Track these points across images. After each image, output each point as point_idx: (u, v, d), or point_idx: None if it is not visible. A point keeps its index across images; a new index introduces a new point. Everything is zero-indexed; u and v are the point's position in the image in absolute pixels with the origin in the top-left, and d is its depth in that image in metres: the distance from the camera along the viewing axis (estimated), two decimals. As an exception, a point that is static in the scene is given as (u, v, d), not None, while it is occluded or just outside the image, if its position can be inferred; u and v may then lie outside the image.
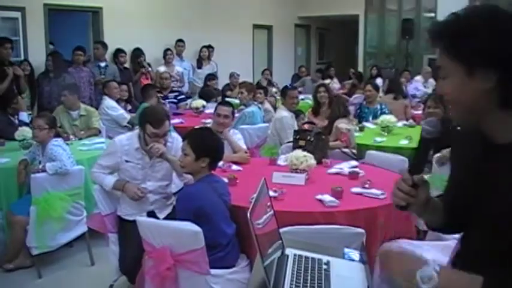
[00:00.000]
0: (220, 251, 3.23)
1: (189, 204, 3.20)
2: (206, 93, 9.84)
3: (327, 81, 12.24)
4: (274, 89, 9.78)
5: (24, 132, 5.53)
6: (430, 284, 1.49)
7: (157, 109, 4.51)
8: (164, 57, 10.34)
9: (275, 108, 8.14)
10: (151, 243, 3.17)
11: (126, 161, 3.89)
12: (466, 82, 1.42)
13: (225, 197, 3.42)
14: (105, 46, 9.21)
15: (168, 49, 10.42)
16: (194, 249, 3.02)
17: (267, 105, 7.84)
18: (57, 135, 5.04)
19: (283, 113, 6.37)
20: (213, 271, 3.12)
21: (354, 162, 4.74)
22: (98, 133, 6.53)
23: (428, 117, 5.30)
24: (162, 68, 9.93)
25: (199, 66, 11.28)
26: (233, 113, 5.23)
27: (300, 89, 10.99)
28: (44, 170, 4.52)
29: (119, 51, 9.53)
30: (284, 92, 6.73)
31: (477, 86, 1.41)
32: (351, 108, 8.14)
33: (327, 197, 3.52)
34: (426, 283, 1.49)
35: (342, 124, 5.68)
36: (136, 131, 3.98)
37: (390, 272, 1.78)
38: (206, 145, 3.43)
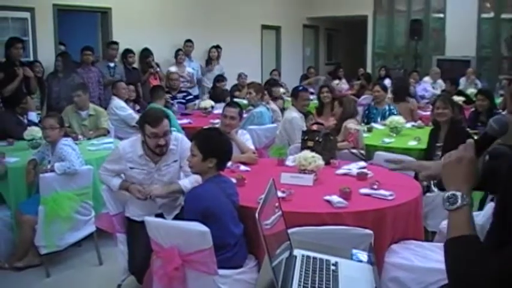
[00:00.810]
0: (228, 251, 3.23)
1: (197, 204, 3.20)
2: (216, 94, 9.86)
3: (336, 81, 12.23)
4: (282, 89, 9.75)
5: (33, 132, 5.55)
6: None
7: (154, 109, 4.52)
8: (176, 57, 10.37)
9: (282, 109, 8.13)
10: (160, 243, 3.18)
11: (131, 168, 3.88)
12: None
13: (233, 197, 3.42)
14: (116, 43, 9.29)
15: (179, 49, 10.46)
16: (202, 249, 3.02)
17: (273, 106, 7.83)
18: (65, 134, 5.06)
19: (293, 113, 6.37)
20: (221, 271, 3.12)
21: (362, 163, 4.73)
22: (106, 133, 6.55)
23: (437, 118, 5.29)
24: (173, 68, 9.96)
25: (208, 67, 11.28)
26: (241, 114, 5.22)
27: (311, 90, 10.98)
28: (52, 170, 4.54)
29: (127, 52, 9.54)
30: (295, 93, 6.72)
31: None
32: (359, 109, 8.12)
33: (335, 198, 3.51)
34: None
35: (350, 124, 5.68)
36: (140, 136, 3.94)
37: None
38: (213, 145, 3.42)
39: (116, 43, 9.30)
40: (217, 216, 3.20)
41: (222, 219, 3.23)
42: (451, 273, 1.41)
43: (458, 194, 1.48)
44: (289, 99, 7.73)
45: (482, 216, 2.98)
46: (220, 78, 10.51)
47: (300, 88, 6.96)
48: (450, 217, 1.49)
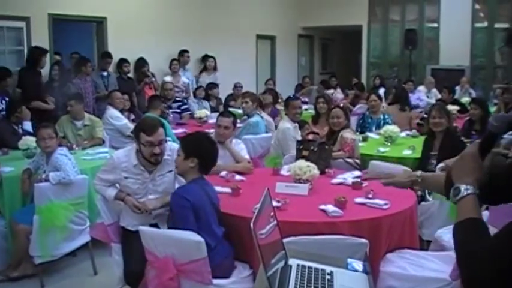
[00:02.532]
0: (210, 251, 3.21)
1: (185, 201, 3.24)
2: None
3: (330, 91, 12.26)
4: (279, 101, 9.80)
5: (28, 141, 5.54)
6: None
7: (150, 117, 4.53)
8: (170, 67, 10.39)
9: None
10: (154, 253, 3.17)
11: (126, 177, 3.87)
12: None
13: (214, 200, 3.46)
14: (111, 57, 9.34)
15: (174, 59, 10.48)
16: (197, 259, 3.02)
17: (266, 116, 7.84)
18: (59, 144, 5.05)
19: (287, 124, 6.36)
20: (216, 281, 3.12)
21: (357, 172, 4.74)
22: (101, 143, 6.54)
23: (433, 127, 5.31)
24: (168, 78, 9.98)
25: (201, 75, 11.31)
26: (234, 123, 5.23)
27: (305, 99, 11.01)
28: (47, 180, 4.53)
29: (122, 61, 9.56)
30: (287, 102, 6.75)
31: None
32: (354, 118, 8.15)
33: (330, 207, 3.51)
34: None
35: (347, 134, 5.69)
36: (134, 145, 3.93)
37: None
38: (195, 145, 3.48)
39: (110, 56, 9.31)
40: (201, 216, 3.25)
41: (205, 219, 3.27)
42: (457, 252, 1.48)
43: (462, 186, 1.58)
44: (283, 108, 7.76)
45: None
46: (212, 85, 10.51)
47: (291, 97, 6.99)
48: (457, 207, 1.58)
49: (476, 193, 1.56)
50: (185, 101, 9.60)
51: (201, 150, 3.47)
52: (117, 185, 3.96)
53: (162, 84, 9.49)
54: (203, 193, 3.37)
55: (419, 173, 2.14)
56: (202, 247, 3.00)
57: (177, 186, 3.97)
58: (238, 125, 5.99)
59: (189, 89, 10.45)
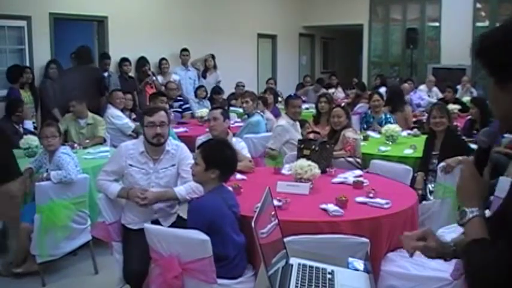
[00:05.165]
0: (229, 262, 3.20)
1: (201, 217, 3.17)
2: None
3: (331, 90, 12.25)
4: (279, 99, 9.77)
5: (29, 140, 5.54)
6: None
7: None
8: (159, 67, 10.41)
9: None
10: (159, 251, 3.17)
11: (130, 165, 3.90)
12: (498, 93, 1.46)
13: (234, 208, 3.38)
14: (108, 57, 9.37)
15: (163, 59, 10.49)
16: (202, 258, 3.01)
17: (268, 114, 7.84)
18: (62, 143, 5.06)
19: (282, 121, 6.36)
20: (220, 281, 3.11)
21: (359, 172, 4.74)
22: (102, 142, 6.55)
23: (434, 127, 5.31)
24: (159, 78, 10.02)
25: (204, 76, 11.29)
26: (224, 114, 5.18)
27: (304, 98, 11.00)
28: (48, 179, 4.53)
29: (123, 60, 9.57)
30: (287, 101, 6.75)
31: (508, 98, 1.44)
32: (356, 117, 8.14)
33: (331, 207, 3.50)
34: None
35: (349, 133, 5.68)
36: (142, 136, 4.00)
37: None
38: (217, 157, 3.39)
39: (108, 57, 9.34)
40: (220, 228, 3.18)
41: (224, 231, 3.21)
42: (466, 272, 1.50)
43: (467, 209, 1.59)
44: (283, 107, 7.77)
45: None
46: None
47: (292, 96, 6.98)
48: (464, 229, 1.60)
49: (482, 214, 1.57)
50: (184, 95, 9.61)
51: (223, 161, 3.40)
52: (120, 181, 3.98)
53: (166, 83, 9.49)
54: (222, 203, 3.30)
55: (451, 242, 1.93)
56: (208, 246, 2.99)
57: (179, 183, 3.98)
58: (239, 124, 5.99)
59: (181, 86, 10.41)
